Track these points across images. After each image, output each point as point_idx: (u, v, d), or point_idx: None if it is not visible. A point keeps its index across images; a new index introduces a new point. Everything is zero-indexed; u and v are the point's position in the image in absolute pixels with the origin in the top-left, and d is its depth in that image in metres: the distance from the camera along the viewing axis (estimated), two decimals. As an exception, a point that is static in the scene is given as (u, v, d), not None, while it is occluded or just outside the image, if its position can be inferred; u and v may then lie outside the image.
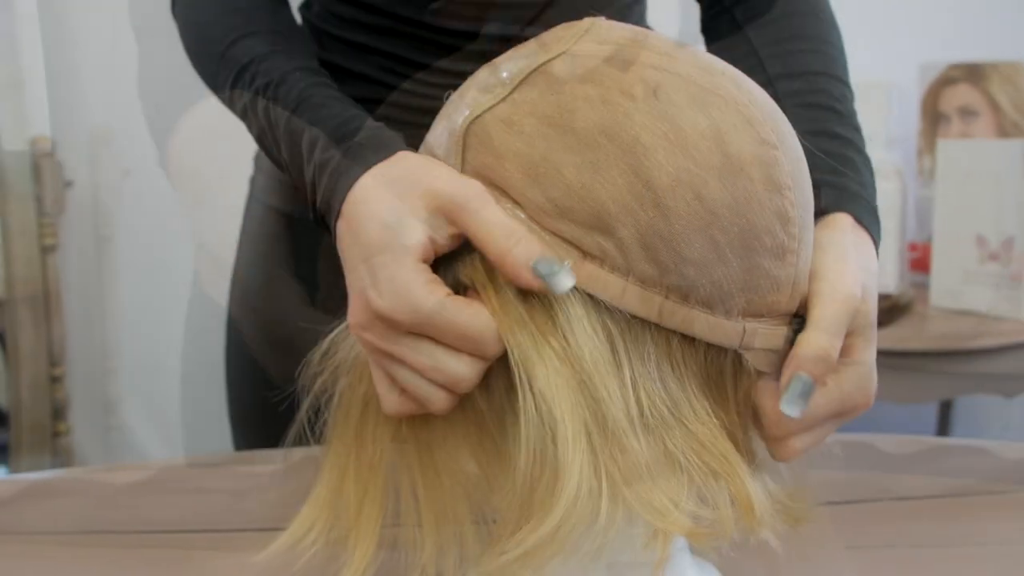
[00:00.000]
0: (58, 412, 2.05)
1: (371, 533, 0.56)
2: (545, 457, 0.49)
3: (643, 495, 0.49)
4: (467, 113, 0.52)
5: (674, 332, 0.50)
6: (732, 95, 0.51)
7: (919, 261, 1.94)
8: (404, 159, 0.54)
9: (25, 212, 1.96)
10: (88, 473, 0.81)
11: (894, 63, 2.10)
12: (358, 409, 0.57)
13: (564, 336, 0.49)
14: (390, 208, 0.51)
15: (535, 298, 0.50)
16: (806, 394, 0.51)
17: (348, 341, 0.57)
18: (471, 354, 0.50)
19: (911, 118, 2.11)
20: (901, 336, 1.63)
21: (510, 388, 0.50)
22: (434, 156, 0.54)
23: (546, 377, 0.49)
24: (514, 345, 0.49)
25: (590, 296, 0.49)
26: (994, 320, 1.69)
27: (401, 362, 0.51)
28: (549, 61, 0.52)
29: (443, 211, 0.51)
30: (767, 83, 0.69)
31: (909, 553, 0.74)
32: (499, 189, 0.51)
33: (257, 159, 0.94)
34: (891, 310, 1.65)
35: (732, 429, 0.53)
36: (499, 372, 0.51)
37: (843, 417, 0.56)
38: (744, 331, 0.51)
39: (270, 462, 0.80)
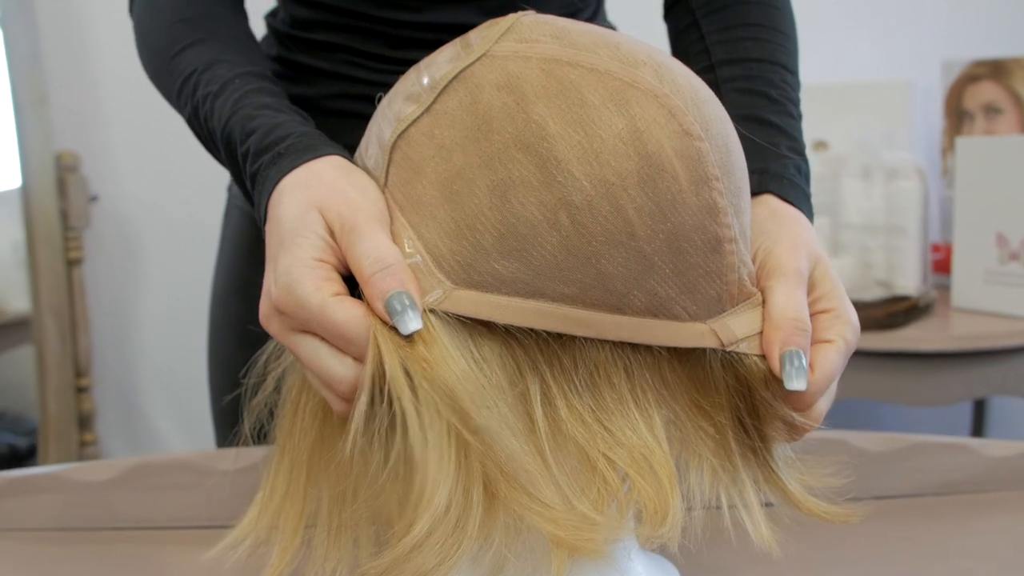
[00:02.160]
0: (84, 422, 2.09)
1: (291, 532, 0.56)
2: (413, 467, 0.48)
3: (527, 503, 0.48)
4: (394, 127, 0.52)
5: (621, 344, 0.50)
6: (652, 87, 0.49)
7: (943, 263, 1.91)
8: (317, 167, 0.54)
9: (51, 226, 2.00)
10: (64, 471, 0.82)
11: (917, 61, 2.07)
12: (290, 410, 0.57)
13: (430, 349, 0.48)
14: (295, 208, 0.52)
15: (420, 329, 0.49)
16: (802, 365, 0.50)
17: None
18: (352, 356, 0.49)
19: (935, 116, 2.07)
20: (922, 337, 1.59)
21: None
22: (365, 167, 0.54)
23: (417, 388, 0.48)
24: (384, 353, 0.48)
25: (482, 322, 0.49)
26: (1017, 320, 1.65)
27: (297, 357, 0.51)
28: (470, 66, 0.51)
29: (330, 227, 0.51)
30: (710, 69, 0.69)
31: (888, 552, 0.73)
32: (414, 208, 0.50)
33: None
34: (910, 311, 1.62)
35: (724, 427, 0.53)
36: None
37: (846, 360, 0.55)
38: (715, 330, 0.50)
39: (243, 460, 0.80)
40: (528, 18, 0.53)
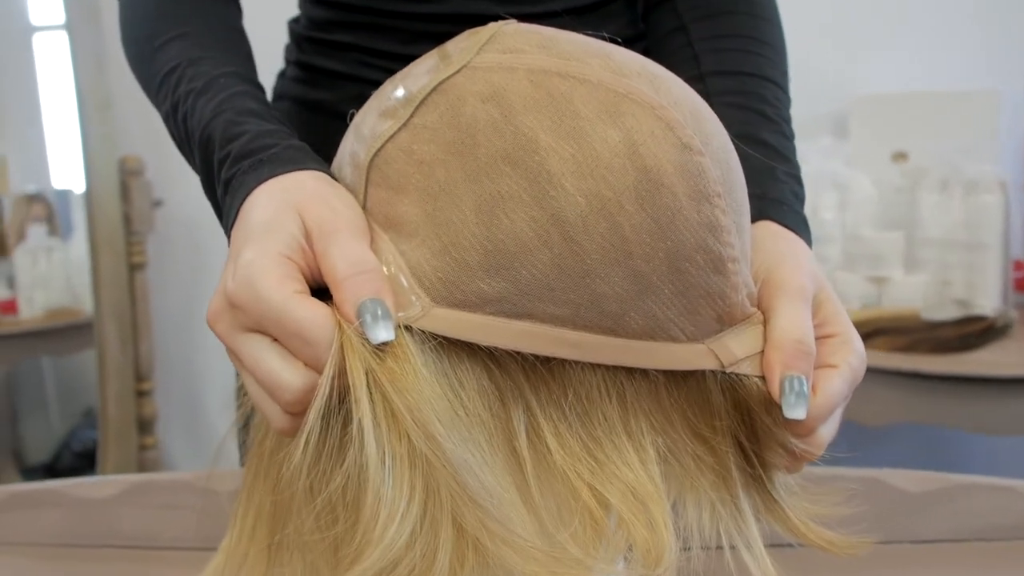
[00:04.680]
0: (145, 426, 2.10)
1: (261, 555, 0.54)
2: (376, 496, 0.44)
3: (502, 541, 0.44)
4: (369, 144, 0.49)
5: (614, 368, 0.46)
6: (648, 99, 0.46)
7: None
8: (300, 177, 0.51)
9: (114, 230, 2.02)
10: (66, 486, 0.81)
11: (1002, 69, 1.98)
12: (256, 452, 0.55)
13: (406, 393, 0.44)
14: (271, 208, 0.48)
15: (389, 349, 0.45)
16: (803, 392, 0.47)
17: None
18: (305, 363, 0.45)
19: (1021, 127, 1.97)
20: (998, 361, 1.51)
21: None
22: (343, 174, 0.51)
23: (379, 403, 0.44)
24: (348, 359, 0.44)
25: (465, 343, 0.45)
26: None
27: (241, 363, 0.47)
28: (450, 77, 0.47)
29: (307, 230, 0.47)
30: (699, 79, 0.65)
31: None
32: (395, 227, 0.47)
33: None
34: (985, 332, 1.54)
35: (725, 454, 0.50)
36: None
37: (851, 390, 0.52)
38: (715, 351, 0.47)
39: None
40: (511, 27, 0.49)
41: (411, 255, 0.46)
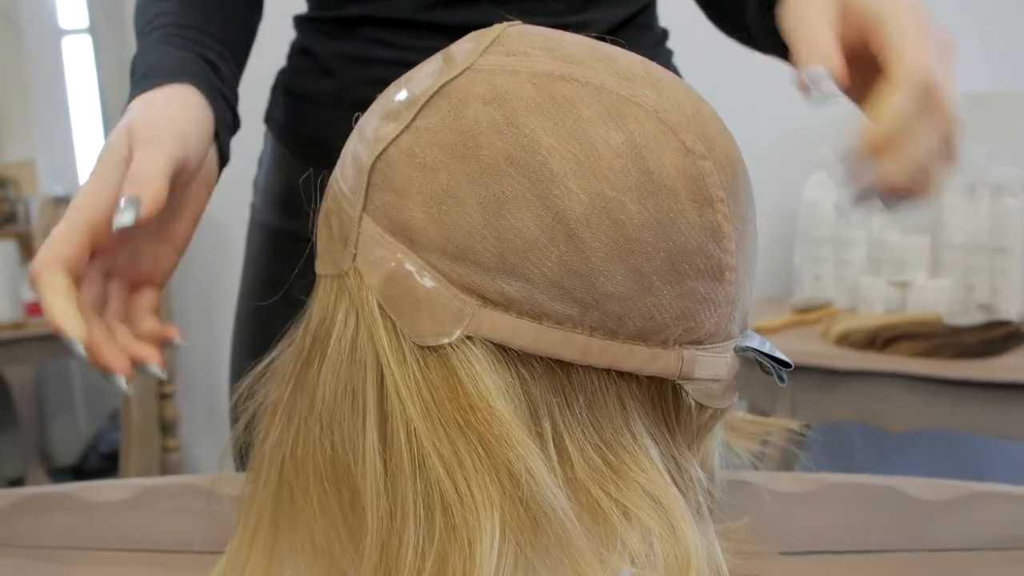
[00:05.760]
0: (168, 428, 2.12)
1: (262, 558, 0.53)
2: (452, 538, 0.44)
3: (562, 564, 0.45)
4: (372, 147, 0.49)
5: (608, 371, 0.46)
6: (651, 102, 0.46)
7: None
8: (152, 95, 0.60)
9: (137, 233, 2.03)
10: (76, 490, 0.81)
11: (1027, 71, 1.96)
12: (258, 457, 0.54)
13: (467, 395, 0.45)
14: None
15: (433, 356, 0.46)
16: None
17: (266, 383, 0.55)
18: None
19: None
20: (1022, 367, 1.49)
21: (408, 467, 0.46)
22: (341, 191, 0.51)
23: (445, 447, 0.45)
24: (411, 415, 0.45)
25: (497, 345, 0.46)
26: None
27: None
28: (453, 80, 0.47)
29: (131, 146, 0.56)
30: None
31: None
32: (405, 234, 0.47)
33: (255, 183, 0.93)
34: (1008, 338, 1.51)
35: (684, 467, 0.50)
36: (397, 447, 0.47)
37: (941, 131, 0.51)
38: (682, 359, 0.47)
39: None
40: (515, 29, 0.50)
41: (436, 262, 0.46)
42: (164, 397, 2.10)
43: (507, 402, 0.45)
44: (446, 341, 0.45)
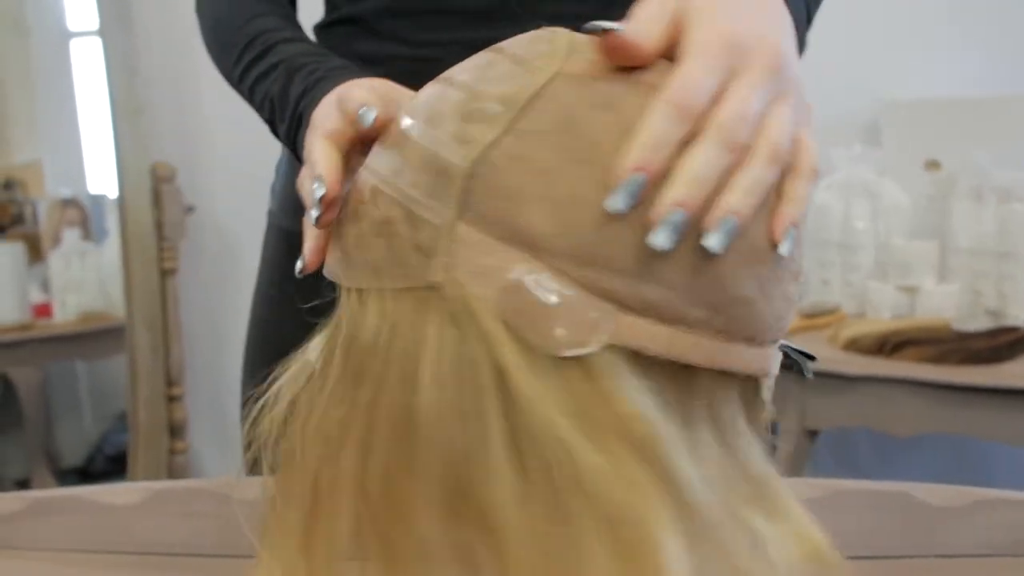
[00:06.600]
0: (176, 431, 2.12)
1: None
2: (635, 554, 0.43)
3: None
4: (464, 149, 0.46)
5: (719, 373, 0.46)
6: None
7: (1062, 291, 1.78)
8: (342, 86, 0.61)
9: (145, 237, 2.04)
10: (87, 493, 0.81)
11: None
12: (304, 504, 0.52)
13: (619, 404, 0.43)
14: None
15: (572, 368, 0.44)
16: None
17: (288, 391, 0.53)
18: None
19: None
20: (1028, 373, 1.49)
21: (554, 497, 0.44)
22: (407, 196, 0.47)
23: (604, 458, 0.43)
24: (562, 432, 0.43)
25: (635, 352, 0.44)
26: None
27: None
28: (548, 83, 0.46)
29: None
30: None
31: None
32: (522, 238, 0.44)
33: (272, 189, 0.94)
34: (1015, 344, 1.51)
35: None
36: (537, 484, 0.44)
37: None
38: (770, 358, 0.48)
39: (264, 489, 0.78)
40: (573, 35, 0.48)
41: (569, 271, 0.44)
42: (172, 399, 2.10)
43: (657, 409, 0.44)
44: (588, 350, 0.43)
